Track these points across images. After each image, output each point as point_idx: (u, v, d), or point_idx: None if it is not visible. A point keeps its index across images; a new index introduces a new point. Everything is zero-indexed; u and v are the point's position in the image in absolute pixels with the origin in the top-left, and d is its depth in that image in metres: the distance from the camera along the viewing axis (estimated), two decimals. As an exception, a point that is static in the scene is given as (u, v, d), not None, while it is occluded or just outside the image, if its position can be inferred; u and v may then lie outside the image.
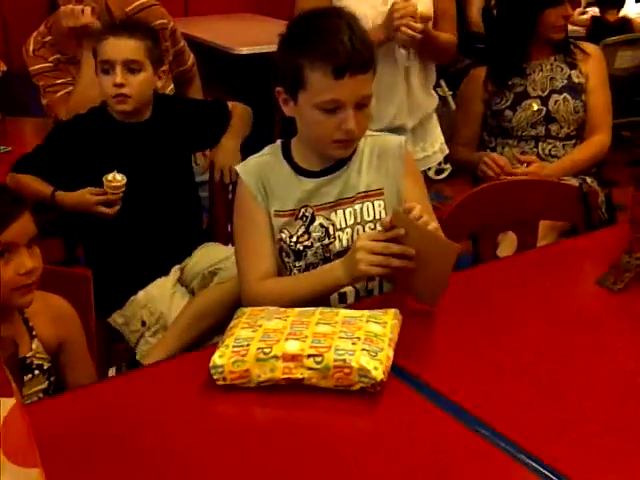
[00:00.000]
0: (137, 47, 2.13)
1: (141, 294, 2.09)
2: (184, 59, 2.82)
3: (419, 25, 2.17)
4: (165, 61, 2.59)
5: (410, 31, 2.17)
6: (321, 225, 1.63)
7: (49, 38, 2.57)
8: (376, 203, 1.64)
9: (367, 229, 1.63)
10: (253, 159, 1.68)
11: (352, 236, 1.63)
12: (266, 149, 1.69)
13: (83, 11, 2.42)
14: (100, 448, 1.20)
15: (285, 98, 1.58)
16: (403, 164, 1.67)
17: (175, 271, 2.19)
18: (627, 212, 1.76)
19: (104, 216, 2.13)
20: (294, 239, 1.62)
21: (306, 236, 1.62)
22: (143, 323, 2.06)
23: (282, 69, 1.57)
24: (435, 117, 2.53)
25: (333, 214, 1.63)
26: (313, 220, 1.63)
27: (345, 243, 1.62)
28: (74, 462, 1.16)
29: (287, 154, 1.66)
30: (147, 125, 2.21)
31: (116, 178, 2.09)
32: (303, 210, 1.63)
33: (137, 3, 2.65)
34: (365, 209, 1.64)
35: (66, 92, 2.54)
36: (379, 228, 1.54)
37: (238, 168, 1.66)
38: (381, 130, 1.90)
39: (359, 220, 1.63)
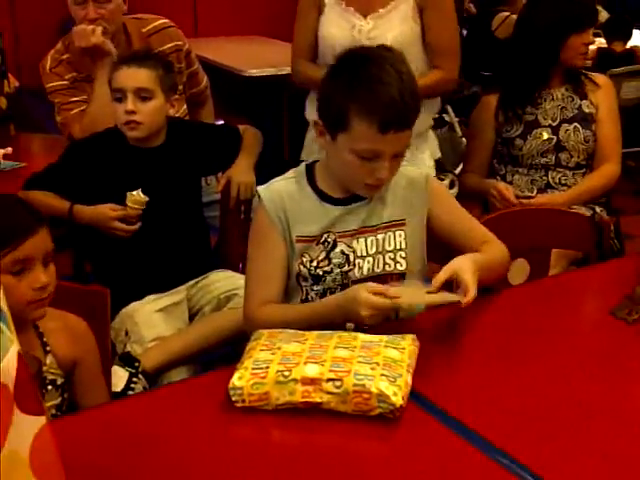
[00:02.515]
0: (148, 76, 2.17)
1: (130, 306, 2.11)
2: (197, 81, 2.84)
3: None
4: (178, 85, 2.62)
5: None
6: (342, 252, 1.63)
7: (66, 56, 2.59)
8: (397, 233, 1.65)
9: (387, 259, 1.64)
10: (276, 183, 1.67)
11: (373, 265, 1.64)
12: (290, 172, 1.69)
13: (94, 31, 2.44)
14: (117, 469, 1.20)
15: (322, 131, 1.58)
16: (430, 198, 1.68)
17: (179, 291, 2.20)
18: (634, 241, 1.77)
19: (118, 235, 2.15)
20: (314, 264, 1.63)
21: (326, 261, 1.63)
22: (126, 332, 2.08)
23: (326, 105, 1.57)
24: (427, 141, 2.55)
25: (355, 242, 1.64)
26: (335, 246, 1.63)
27: (365, 271, 1.63)
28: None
29: (311, 179, 1.66)
30: (160, 150, 2.24)
31: (140, 194, 2.14)
32: (325, 236, 1.63)
33: (154, 24, 2.68)
34: (387, 239, 1.65)
35: (80, 110, 2.55)
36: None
37: (260, 190, 1.65)
38: None
39: (380, 249, 1.64)
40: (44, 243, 1.39)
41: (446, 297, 1.52)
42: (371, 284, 1.51)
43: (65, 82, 2.58)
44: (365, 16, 2.40)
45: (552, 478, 1.16)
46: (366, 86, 1.49)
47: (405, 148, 1.57)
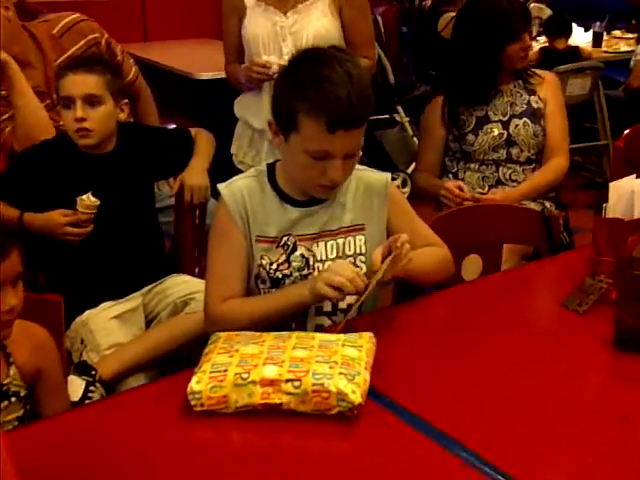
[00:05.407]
0: (96, 81, 2.14)
1: (84, 314, 2.08)
2: (124, 72, 2.67)
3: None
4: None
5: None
6: (302, 255, 1.63)
7: None
8: (357, 238, 1.66)
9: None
10: (238, 181, 1.66)
11: None
12: (251, 171, 1.69)
13: None
14: (77, 476, 1.18)
15: (276, 131, 1.59)
16: (388, 202, 1.69)
17: (134, 297, 2.18)
18: (581, 235, 1.80)
19: (70, 240, 2.12)
20: (274, 266, 1.62)
21: (286, 265, 1.63)
22: (82, 341, 2.05)
23: (277, 105, 1.57)
24: None
25: (315, 245, 1.64)
26: (295, 250, 1.63)
27: None
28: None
29: (272, 179, 1.65)
30: (111, 157, 2.21)
31: (90, 198, 2.11)
32: (285, 239, 1.63)
33: (62, 23, 2.56)
34: (347, 243, 1.66)
35: (14, 126, 2.48)
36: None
37: (221, 188, 1.64)
38: None
39: (340, 254, 1.65)
40: (15, 266, 1.34)
41: (388, 259, 1.54)
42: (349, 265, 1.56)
43: None
44: (285, 13, 2.58)
45: (511, 469, 1.18)
46: (314, 85, 1.49)
47: (357, 148, 1.58)
